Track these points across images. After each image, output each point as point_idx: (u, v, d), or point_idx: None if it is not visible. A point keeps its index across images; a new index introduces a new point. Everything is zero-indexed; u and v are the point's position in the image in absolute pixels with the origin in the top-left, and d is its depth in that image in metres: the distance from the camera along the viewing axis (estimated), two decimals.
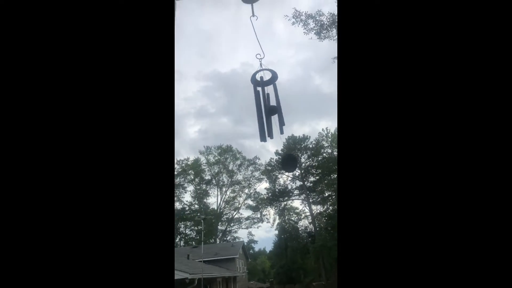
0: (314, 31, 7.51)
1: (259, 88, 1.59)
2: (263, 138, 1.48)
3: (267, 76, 1.63)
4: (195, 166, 30.02)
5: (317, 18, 7.41)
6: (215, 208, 29.67)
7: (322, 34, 7.50)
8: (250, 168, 29.39)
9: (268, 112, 1.53)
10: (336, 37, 7.35)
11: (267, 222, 28.04)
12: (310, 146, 25.11)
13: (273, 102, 1.59)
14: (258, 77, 1.62)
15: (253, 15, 1.68)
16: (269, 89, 1.63)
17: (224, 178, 30.28)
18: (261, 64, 1.60)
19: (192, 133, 41.65)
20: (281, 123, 1.53)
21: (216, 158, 30.32)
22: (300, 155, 25.21)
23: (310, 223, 25.13)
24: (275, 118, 1.57)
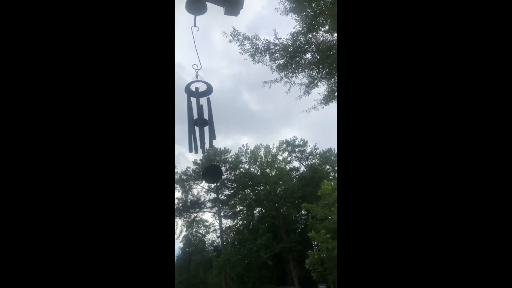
0: (249, 53, 7.86)
1: (193, 99, 1.55)
2: (191, 149, 1.43)
3: (202, 87, 1.60)
4: None
5: (254, 41, 7.80)
6: None
7: (256, 58, 7.90)
8: None
9: (200, 124, 1.50)
10: (268, 62, 7.86)
11: None
12: (230, 159, 25.46)
13: (205, 114, 1.57)
14: (193, 87, 1.58)
15: (195, 25, 1.65)
16: (203, 100, 1.61)
17: None
18: (197, 75, 1.57)
19: None
20: (212, 136, 1.52)
21: None
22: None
23: (218, 237, 25.01)
24: (204, 130, 1.54)
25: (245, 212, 24.09)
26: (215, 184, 22.48)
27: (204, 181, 23.88)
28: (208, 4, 1.67)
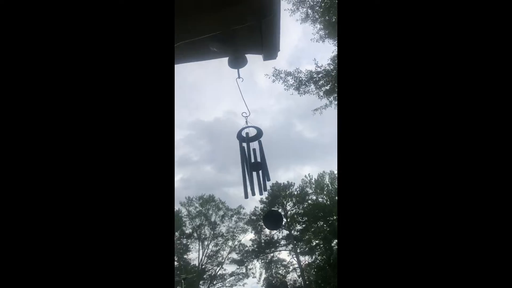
0: (294, 87, 8.07)
1: (245, 144, 1.64)
2: (246, 196, 1.48)
3: (252, 132, 1.69)
4: (176, 219, 28.56)
5: (296, 75, 8.03)
6: (197, 264, 27.58)
7: (301, 89, 8.06)
8: (234, 218, 28.29)
9: (253, 168, 1.55)
10: (315, 91, 7.91)
11: (253, 277, 26.09)
12: (295, 193, 24.95)
13: (258, 157, 1.63)
14: (244, 133, 1.68)
15: (239, 77, 1.81)
16: (255, 144, 1.69)
17: (206, 230, 28.77)
18: (246, 121, 1.68)
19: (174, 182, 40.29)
20: (266, 178, 1.55)
21: (198, 209, 29.16)
22: (285, 202, 24.85)
23: (299, 276, 23.68)
24: (259, 173, 1.59)
25: (321, 246, 22.63)
26: (278, 229, 21.94)
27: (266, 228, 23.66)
28: (247, 55, 1.82)
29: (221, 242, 26.96)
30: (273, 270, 25.01)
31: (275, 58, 1.93)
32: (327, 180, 24.57)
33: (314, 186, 24.64)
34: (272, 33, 1.74)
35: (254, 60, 1.90)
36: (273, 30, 1.72)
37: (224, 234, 27.41)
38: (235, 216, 27.62)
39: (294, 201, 24.75)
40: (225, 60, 1.82)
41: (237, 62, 1.80)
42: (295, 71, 8.18)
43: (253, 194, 1.49)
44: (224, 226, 27.73)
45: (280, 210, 24.26)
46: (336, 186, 23.60)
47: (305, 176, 26.41)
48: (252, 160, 1.59)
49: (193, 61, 1.97)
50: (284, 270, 25.01)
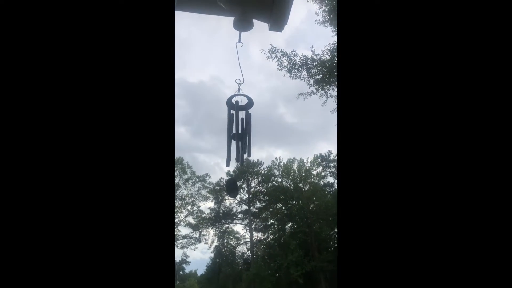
0: (286, 69, 7.94)
1: (233, 112, 1.59)
2: (228, 163, 1.46)
3: (243, 101, 1.64)
4: None
5: (291, 57, 7.88)
6: None
7: (293, 73, 7.96)
8: (198, 185, 28.44)
9: (237, 138, 1.52)
10: (306, 78, 7.85)
11: (204, 243, 26.92)
12: (262, 172, 25.45)
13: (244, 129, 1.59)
14: (234, 101, 1.63)
15: (239, 41, 1.71)
16: (242, 114, 1.64)
17: None
18: (239, 89, 1.62)
19: None
20: (249, 151, 1.53)
21: None
22: (250, 179, 25.34)
23: (248, 249, 24.83)
24: (242, 144, 1.57)
25: (276, 226, 23.70)
26: (242, 196, 22.54)
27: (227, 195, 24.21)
28: (254, 21, 1.72)
29: (180, 204, 27.14)
30: (225, 240, 25.94)
31: (280, 30, 1.85)
32: (295, 166, 25.28)
33: (282, 169, 25.26)
34: (285, 2, 1.66)
35: (258, 28, 1.81)
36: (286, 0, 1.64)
37: (185, 197, 27.56)
38: (199, 183, 27.75)
39: (259, 179, 25.31)
40: (223, 21, 1.71)
41: (243, 24, 1.70)
42: (291, 53, 8.03)
43: (238, 162, 1.47)
44: (186, 189, 27.82)
45: (244, 185, 24.79)
46: (303, 174, 24.43)
47: (275, 158, 26.97)
48: (239, 130, 1.55)
49: (194, 12, 1.83)
50: (236, 242, 26.06)
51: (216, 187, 25.78)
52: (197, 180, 27.94)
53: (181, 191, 27.85)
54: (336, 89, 8.02)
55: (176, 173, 28.81)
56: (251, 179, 25.39)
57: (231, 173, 24.46)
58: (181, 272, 31.90)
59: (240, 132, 1.55)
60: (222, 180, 25.72)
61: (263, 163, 25.72)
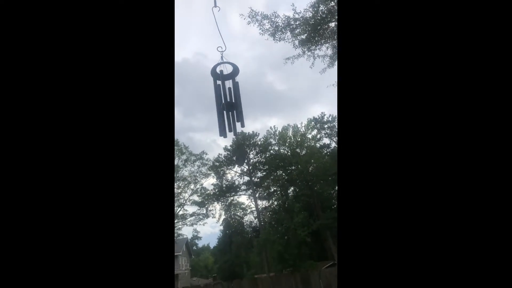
0: (269, 32, 7.63)
1: (219, 82, 1.54)
2: (223, 133, 1.44)
3: (228, 70, 1.58)
4: None
5: (273, 19, 7.53)
6: None
7: (277, 36, 7.65)
8: (197, 163, 28.61)
9: (228, 108, 1.49)
10: (290, 39, 7.57)
11: (212, 218, 27.80)
12: (259, 143, 25.59)
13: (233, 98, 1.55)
14: (218, 70, 1.57)
15: (215, 5, 1.61)
16: (229, 83, 1.59)
17: None
18: (222, 57, 1.55)
19: None
20: (241, 121, 1.51)
21: None
22: (248, 151, 25.55)
23: (255, 218, 25.72)
24: (234, 114, 1.54)
25: (279, 192, 24.36)
26: (243, 167, 22.87)
27: (236, 165, 24.50)
28: None
29: (182, 185, 27.51)
30: (232, 212, 26.76)
31: None
32: (290, 133, 25.39)
33: (277, 138, 25.39)
34: None
35: None
36: None
37: (187, 177, 27.87)
38: (198, 161, 27.91)
39: (257, 150, 25.51)
40: None
41: None
42: (272, 14, 7.66)
43: (231, 131, 1.45)
44: (186, 170, 28.02)
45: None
46: (299, 139, 24.62)
47: (270, 127, 26.91)
48: (228, 99, 1.52)
49: None
50: (242, 212, 26.93)
51: (216, 163, 26.00)
52: (196, 158, 28.09)
53: (182, 172, 28.10)
54: (323, 48, 7.80)
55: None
56: (248, 151, 25.57)
57: (228, 147, 24.57)
58: (194, 248, 33.26)
59: (229, 101, 1.52)
60: (220, 156, 25.90)
61: (259, 134, 25.81)
